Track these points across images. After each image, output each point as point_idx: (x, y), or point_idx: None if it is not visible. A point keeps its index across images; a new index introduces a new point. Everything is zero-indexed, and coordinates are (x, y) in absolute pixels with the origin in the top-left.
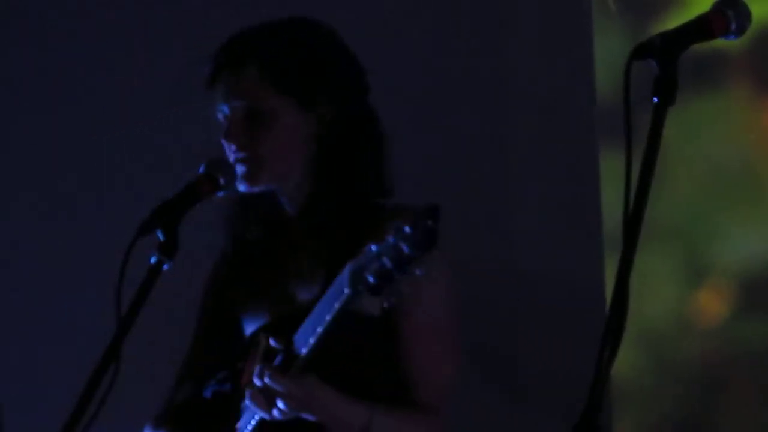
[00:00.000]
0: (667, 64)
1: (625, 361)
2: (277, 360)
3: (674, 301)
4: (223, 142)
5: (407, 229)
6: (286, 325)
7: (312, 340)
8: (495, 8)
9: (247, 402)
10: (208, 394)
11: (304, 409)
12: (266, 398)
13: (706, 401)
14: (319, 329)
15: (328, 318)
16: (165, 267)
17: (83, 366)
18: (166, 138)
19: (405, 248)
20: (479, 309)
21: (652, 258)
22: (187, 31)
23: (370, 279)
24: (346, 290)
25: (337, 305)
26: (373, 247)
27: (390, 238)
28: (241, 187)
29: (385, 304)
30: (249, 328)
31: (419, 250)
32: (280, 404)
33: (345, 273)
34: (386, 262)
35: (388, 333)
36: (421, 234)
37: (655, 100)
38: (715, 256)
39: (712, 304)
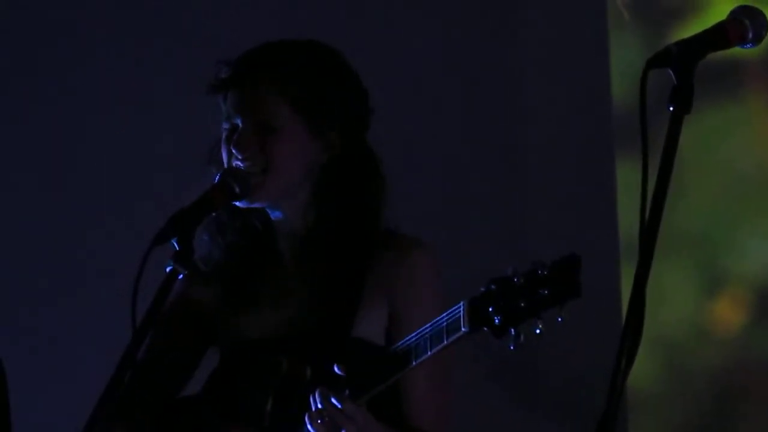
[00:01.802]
0: (684, 73)
1: (642, 370)
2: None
3: (691, 309)
4: (225, 154)
5: (541, 272)
6: (286, 347)
7: (401, 372)
8: (511, 18)
9: (308, 426)
10: None
11: None
12: (330, 424)
13: (721, 409)
14: (414, 362)
15: (428, 354)
16: (180, 276)
17: (100, 373)
18: (186, 146)
19: (544, 291)
20: None
21: (669, 267)
22: (191, 34)
23: (497, 320)
24: (464, 328)
25: (445, 342)
26: (493, 287)
27: (515, 279)
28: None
29: (512, 347)
30: (227, 340)
31: (560, 296)
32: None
33: (459, 310)
34: (520, 303)
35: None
36: (564, 279)
37: (671, 109)
38: (731, 265)
39: (728, 313)
